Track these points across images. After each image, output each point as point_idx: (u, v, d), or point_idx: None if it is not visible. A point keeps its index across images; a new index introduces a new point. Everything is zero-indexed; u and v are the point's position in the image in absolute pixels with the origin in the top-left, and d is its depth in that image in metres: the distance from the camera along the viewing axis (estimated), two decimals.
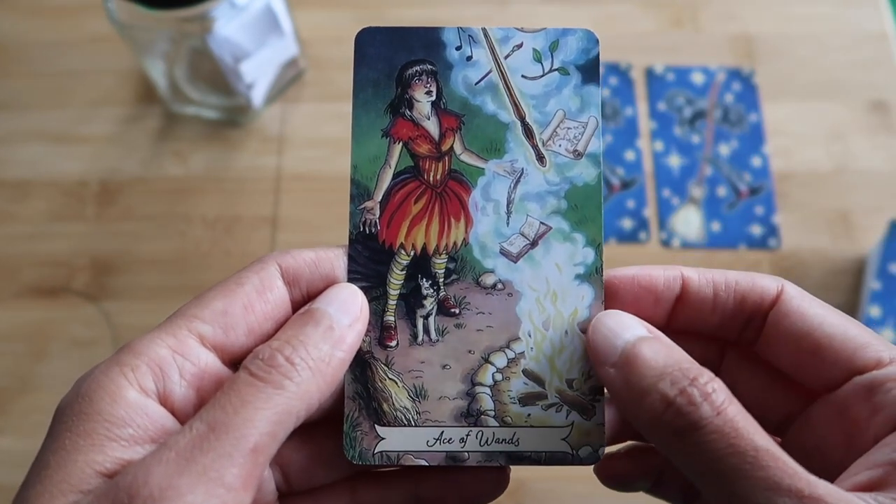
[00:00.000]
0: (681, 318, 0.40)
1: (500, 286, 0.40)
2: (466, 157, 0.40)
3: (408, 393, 0.40)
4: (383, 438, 0.39)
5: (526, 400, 0.40)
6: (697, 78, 0.88)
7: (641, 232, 0.81)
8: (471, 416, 0.40)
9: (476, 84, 0.41)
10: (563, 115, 0.41)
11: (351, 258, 0.40)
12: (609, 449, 0.41)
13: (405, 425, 0.40)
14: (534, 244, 0.40)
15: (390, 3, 0.91)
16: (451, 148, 0.41)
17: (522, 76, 0.41)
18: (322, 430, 0.40)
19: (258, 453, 0.32)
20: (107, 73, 0.89)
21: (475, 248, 0.40)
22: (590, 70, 0.41)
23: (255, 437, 0.32)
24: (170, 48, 0.83)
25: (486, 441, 0.39)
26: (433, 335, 0.40)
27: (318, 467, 0.41)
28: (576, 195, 0.40)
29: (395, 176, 0.41)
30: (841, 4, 0.92)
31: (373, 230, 0.40)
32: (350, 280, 0.39)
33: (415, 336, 0.40)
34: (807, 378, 0.38)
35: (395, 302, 0.40)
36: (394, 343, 0.40)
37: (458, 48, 0.41)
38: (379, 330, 0.40)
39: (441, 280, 0.40)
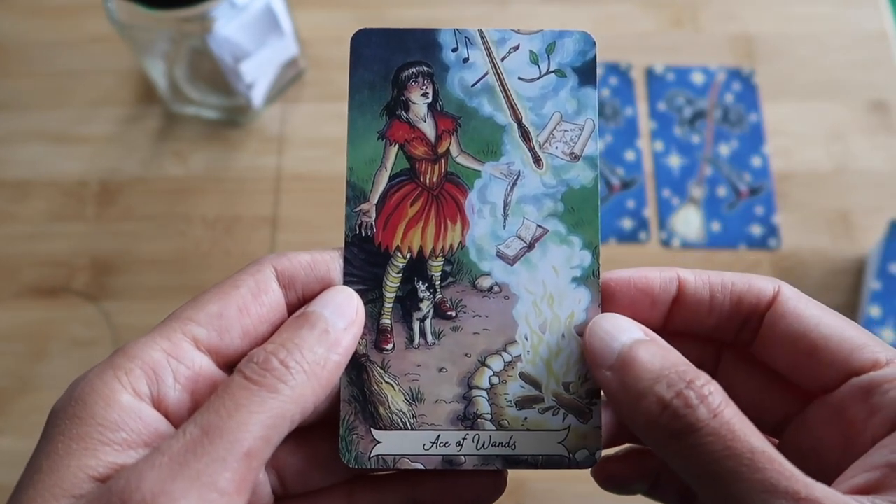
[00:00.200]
0: (677, 319, 0.40)
1: (496, 289, 0.40)
2: (463, 160, 0.40)
3: (404, 396, 0.40)
4: (379, 442, 0.39)
5: (522, 403, 0.40)
6: (697, 78, 0.88)
7: (641, 232, 0.81)
8: (467, 419, 0.40)
9: (472, 86, 0.41)
10: (559, 117, 0.40)
11: (347, 261, 0.40)
12: (606, 452, 0.41)
13: (401, 429, 0.39)
14: (530, 247, 0.40)
15: (390, 4, 0.91)
16: (448, 150, 0.40)
17: (519, 78, 0.41)
18: (318, 433, 0.40)
19: (252, 457, 0.32)
20: (107, 73, 0.89)
21: (472, 251, 0.40)
22: (586, 72, 0.41)
23: (249, 441, 0.32)
24: (170, 48, 0.83)
25: (483, 445, 0.39)
26: (429, 338, 0.40)
27: (314, 471, 0.41)
28: (572, 198, 0.40)
29: (391, 178, 0.40)
30: (841, 4, 0.92)
31: (369, 233, 0.40)
32: (346, 283, 0.39)
33: (411, 339, 0.40)
34: (803, 379, 0.38)
35: (391, 305, 0.40)
36: (390, 346, 0.40)
37: (455, 50, 0.41)
38: (375, 333, 0.40)
39: (437, 283, 0.40)
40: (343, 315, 0.37)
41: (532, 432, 0.40)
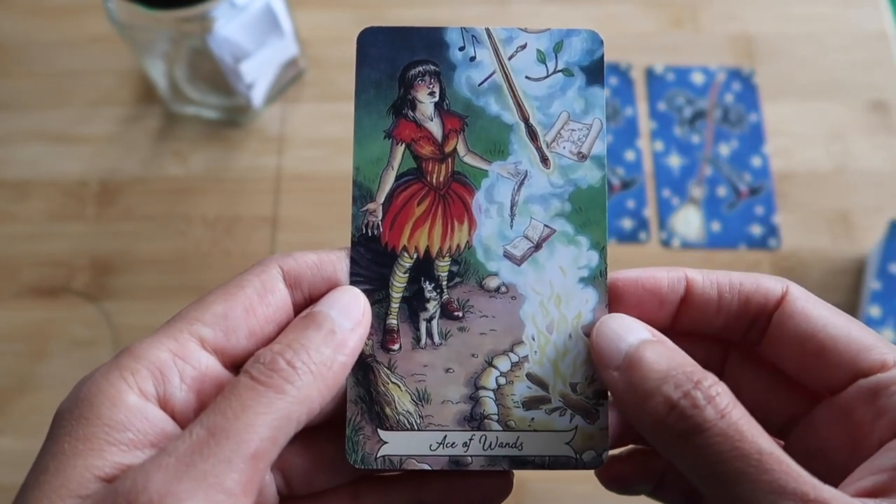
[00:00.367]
0: (685, 319, 0.40)
1: (503, 289, 0.40)
2: (470, 159, 0.40)
3: (410, 397, 0.40)
4: (386, 443, 0.39)
5: (529, 404, 0.40)
6: (697, 78, 0.88)
7: (641, 232, 0.81)
8: (474, 420, 0.39)
9: (479, 85, 0.40)
10: (567, 116, 0.40)
11: (353, 261, 0.40)
12: (611, 452, 0.41)
13: (408, 429, 0.39)
14: (538, 247, 0.40)
15: (390, 3, 0.91)
16: (455, 149, 0.40)
17: (526, 77, 0.41)
18: (324, 434, 0.40)
19: (259, 458, 0.32)
20: (107, 73, 0.89)
21: (479, 251, 0.40)
22: (594, 71, 0.41)
23: (256, 442, 0.32)
24: (170, 48, 0.83)
25: (490, 445, 0.39)
26: (436, 338, 0.40)
27: (319, 472, 0.41)
28: (580, 198, 0.40)
29: (397, 178, 0.40)
30: (841, 4, 0.92)
31: (375, 232, 0.40)
32: (352, 283, 0.39)
33: (418, 339, 0.40)
34: (810, 380, 0.38)
35: (397, 305, 0.40)
36: (396, 346, 0.40)
37: (462, 49, 0.41)
38: (381, 333, 0.40)
39: (444, 283, 0.40)
40: (349, 315, 0.37)
41: (539, 433, 0.39)
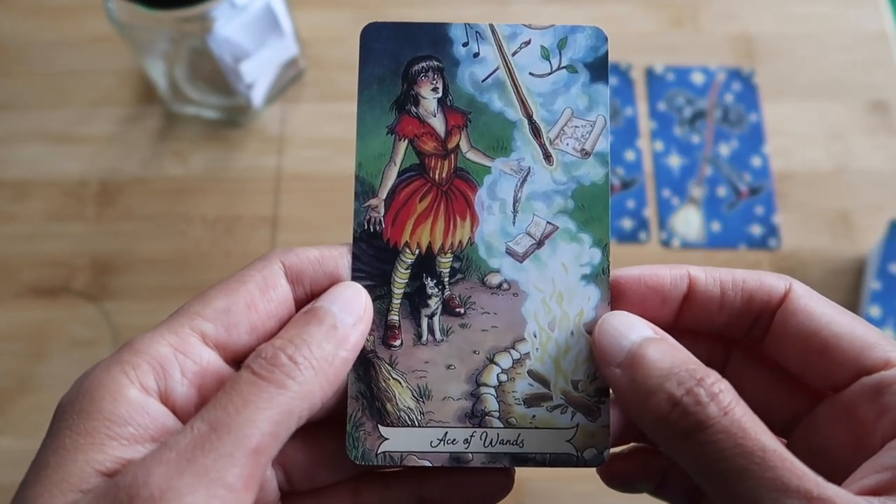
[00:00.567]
0: (687, 317, 0.40)
1: (505, 286, 0.40)
2: (472, 155, 0.40)
3: (412, 393, 0.39)
4: (387, 439, 0.39)
5: (531, 401, 0.40)
6: (697, 78, 0.88)
7: (641, 232, 0.81)
8: (475, 416, 0.39)
9: (483, 81, 0.40)
10: (570, 113, 0.40)
11: (355, 256, 0.40)
12: (613, 450, 0.41)
13: (409, 426, 0.39)
14: (540, 244, 0.40)
15: (390, 3, 0.91)
16: (457, 146, 0.40)
17: (530, 73, 0.41)
18: (325, 430, 0.40)
19: (260, 454, 0.32)
20: (107, 73, 0.89)
21: (481, 248, 0.40)
22: (598, 68, 0.41)
23: (257, 437, 0.32)
24: (170, 48, 0.83)
25: (491, 442, 0.39)
26: (438, 335, 0.40)
27: (320, 467, 0.41)
28: (583, 195, 0.40)
29: (400, 173, 0.40)
30: (841, 4, 0.92)
31: (377, 228, 0.40)
32: (354, 278, 0.39)
33: (419, 335, 0.40)
34: (813, 378, 0.38)
35: (399, 301, 0.40)
36: (398, 342, 0.40)
37: (465, 44, 0.41)
38: (383, 329, 0.40)
39: (446, 279, 0.40)
40: (351, 311, 0.37)
41: (540, 430, 0.39)
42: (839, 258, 0.80)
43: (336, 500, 0.41)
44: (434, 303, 0.40)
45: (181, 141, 0.85)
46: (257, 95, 0.83)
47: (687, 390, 0.33)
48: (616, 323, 0.38)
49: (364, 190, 0.40)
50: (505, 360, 0.40)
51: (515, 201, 0.40)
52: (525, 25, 0.41)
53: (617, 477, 0.43)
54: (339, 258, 0.39)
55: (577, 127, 0.40)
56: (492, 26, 0.41)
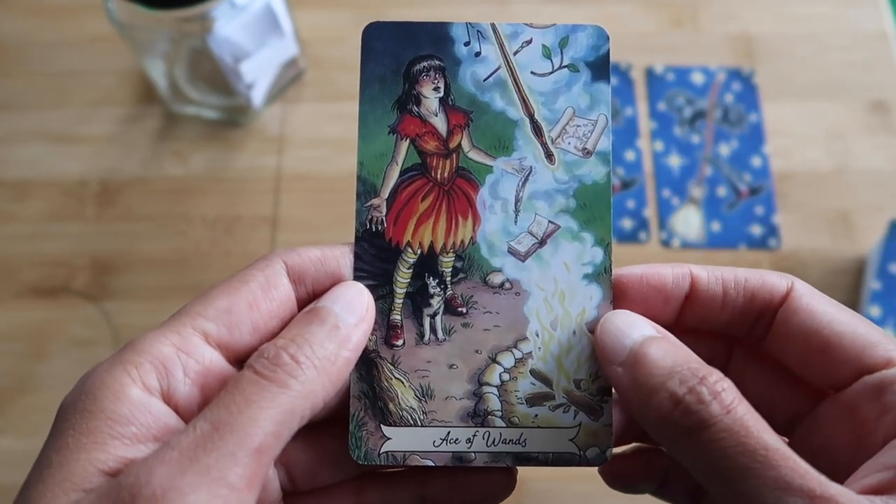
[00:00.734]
0: (689, 316, 0.40)
1: (507, 285, 0.40)
2: (474, 155, 0.40)
3: (414, 392, 0.39)
4: (389, 438, 0.39)
5: (533, 400, 0.40)
6: (697, 78, 0.88)
7: (641, 232, 0.81)
8: (477, 416, 0.39)
9: (484, 80, 0.40)
10: (572, 112, 0.40)
11: (357, 256, 0.40)
12: (615, 450, 0.41)
13: (411, 425, 0.39)
14: (542, 243, 0.40)
15: (391, 3, 0.91)
16: (459, 145, 0.40)
17: (531, 72, 0.41)
18: (327, 429, 0.40)
19: (262, 453, 0.32)
20: (107, 73, 0.89)
21: (483, 247, 0.40)
22: (600, 67, 0.41)
23: (260, 436, 0.32)
24: (170, 48, 0.83)
25: (493, 441, 0.39)
26: (440, 334, 0.40)
27: (323, 467, 0.41)
28: (585, 194, 0.40)
29: (402, 173, 0.40)
30: (841, 4, 0.92)
31: (379, 228, 0.40)
32: (356, 278, 0.39)
33: (421, 335, 0.40)
34: (815, 377, 0.38)
35: (401, 300, 0.40)
36: (400, 342, 0.40)
37: (467, 44, 0.41)
38: (385, 329, 0.40)
39: (448, 279, 0.40)
40: (353, 311, 0.37)
41: (543, 429, 0.39)
42: (839, 258, 0.80)
43: (338, 499, 0.41)
44: (436, 302, 0.40)
45: (181, 141, 0.85)
46: (257, 95, 0.83)
47: (689, 389, 0.33)
48: (618, 322, 0.38)
49: (366, 189, 0.40)
50: (507, 360, 0.40)
51: (517, 200, 0.40)
52: (526, 24, 0.41)
53: (619, 477, 0.43)
54: (341, 258, 0.39)
55: (578, 126, 0.40)
56: (493, 25, 0.41)
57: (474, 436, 0.39)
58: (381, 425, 0.39)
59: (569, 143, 0.40)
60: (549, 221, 0.40)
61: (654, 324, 0.38)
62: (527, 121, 0.40)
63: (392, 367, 0.39)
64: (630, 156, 0.84)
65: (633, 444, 0.44)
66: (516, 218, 0.40)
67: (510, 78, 0.40)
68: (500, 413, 0.39)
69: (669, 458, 0.42)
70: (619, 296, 0.40)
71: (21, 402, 0.75)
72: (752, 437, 0.32)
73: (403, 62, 0.40)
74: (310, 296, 0.38)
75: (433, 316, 0.40)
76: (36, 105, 0.87)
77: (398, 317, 0.40)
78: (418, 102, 0.40)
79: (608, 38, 0.41)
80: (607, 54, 0.41)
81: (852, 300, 0.78)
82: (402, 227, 0.40)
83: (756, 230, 0.81)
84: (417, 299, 0.40)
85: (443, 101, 0.40)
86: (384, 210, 0.40)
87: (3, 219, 0.82)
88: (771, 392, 0.41)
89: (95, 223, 0.81)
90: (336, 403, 0.39)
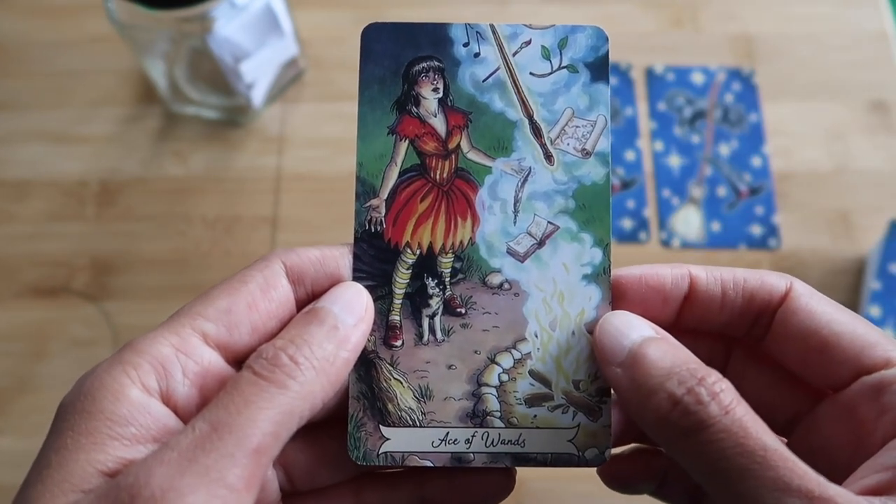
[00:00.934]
0: (688, 316, 0.40)
1: (506, 286, 0.40)
2: (473, 156, 0.40)
3: (413, 393, 0.39)
4: (388, 439, 0.39)
5: (532, 401, 0.40)
6: (697, 78, 0.88)
7: (641, 232, 0.81)
8: (476, 416, 0.39)
9: (484, 81, 0.40)
10: (571, 113, 0.40)
11: (356, 256, 0.40)
12: (614, 451, 0.41)
13: (410, 426, 0.39)
14: (541, 244, 0.40)
15: (390, 3, 0.91)
16: (458, 146, 0.40)
17: (531, 73, 0.41)
18: (326, 430, 0.40)
19: (261, 454, 0.32)
20: (107, 73, 0.89)
21: (482, 248, 0.40)
22: (599, 68, 0.41)
23: (258, 437, 0.32)
24: (170, 48, 0.83)
25: (492, 442, 0.39)
26: (439, 335, 0.40)
27: (322, 468, 0.41)
28: (584, 194, 0.40)
29: (401, 174, 0.40)
30: (841, 4, 0.92)
31: (378, 228, 0.40)
32: (355, 279, 0.39)
33: (420, 336, 0.40)
34: (814, 377, 0.38)
35: (400, 301, 0.40)
36: (399, 343, 0.40)
37: (466, 45, 0.41)
38: (384, 329, 0.40)
39: (447, 279, 0.40)
40: (352, 311, 0.37)
41: (541, 430, 0.39)
42: (839, 258, 0.80)
43: (337, 500, 0.41)
44: (435, 303, 0.40)
45: (181, 141, 0.85)
46: (257, 95, 0.83)
47: (688, 389, 0.33)
48: (617, 322, 0.38)
49: (365, 190, 0.40)
50: (506, 360, 0.40)
51: (516, 201, 0.40)
52: (526, 25, 0.41)
53: (618, 478, 0.43)
54: (341, 258, 0.39)
55: (577, 127, 0.40)
56: (492, 26, 0.41)
57: (473, 436, 0.39)
58: (380, 426, 0.39)
59: (568, 144, 0.40)
60: (548, 222, 0.40)
61: (652, 324, 0.38)
62: (526, 122, 0.40)
63: (391, 368, 0.40)
64: (630, 156, 0.84)
65: (632, 445, 0.44)
66: (515, 219, 0.40)
67: (509, 79, 0.40)
68: (498, 414, 0.39)
69: (668, 459, 0.42)
70: (617, 296, 0.40)
71: (21, 402, 0.75)
72: (750, 437, 0.32)
73: (402, 63, 0.40)
74: (309, 296, 0.38)
75: (432, 316, 0.40)
76: (36, 105, 0.87)
77: (397, 317, 0.40)
78: (417, 103, 0.40)
79: (607, 38, 0.41)
80: (606, 55, 0.41)
81: (852, 300, 0.78)
82: (401, 227, 0.40)
83: (756, 230, 0.81)
84: (416, 300, 0.40)
85: (442, 102, 0.40)
86: (383, 211, 0.40)
87: (3, 219, 0.82)
88: (770, 392, 0.41)
89: (95, 223, 0.81)
90: (335, 404, 0.39)
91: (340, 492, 0.41)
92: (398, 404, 0.39)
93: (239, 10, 0.74)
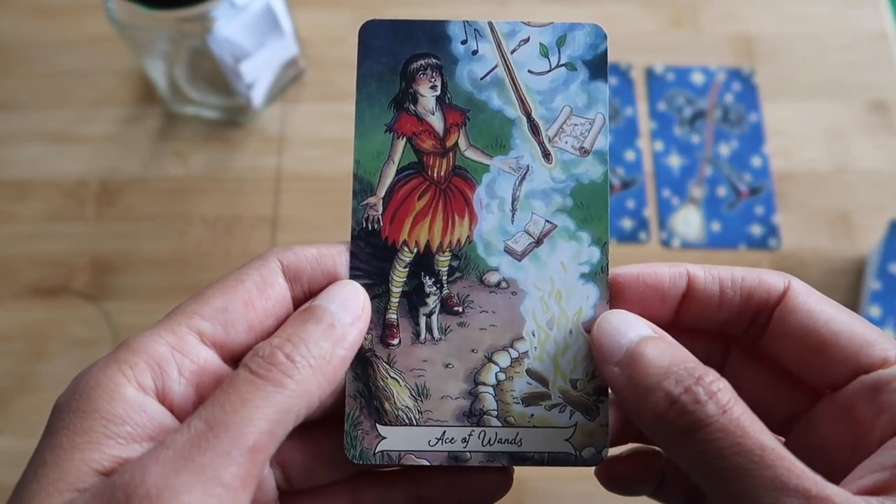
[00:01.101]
0: (686, 315, 0.39)
1: (504, 284, 0.40)
2: (471, 154, 0.40)
3: (410, 392, 0.39)
4: (384, 438, 0.39)
5: (529, 400, 0.39)
6: (697, 78, 0.88)
7: (641, 232, 0.81)
8: (473, 415, 0.39)
9: (482, 79, 0.40)
10: (569, 111, 0.40)
11: (353, 255, 0.39)
12: (611, 452, 0.41)
13: (407, 424, 0.39)
14: (539, 242, 0.40)
15: (390, 3, 0.91)
16: (456, 144, 0.40)
17: (529, 71, 0.40)
18: (323, 428, 0.40)
19: (257, 452, 0.32)
20: (107, 73, 0.89)
21: (479, 246, 0.40)
22: (597, 66, 0.41)
23: (255, 435, 0.32)
24: (170, 48, 0.83)
25: (489, 441, 0.39)
26: (436, 333, 0.40)
27: (318, 466, 0.41)
28: (582, 193, 0.40)
29: (398, 172, 0.40)
30: (841, 4, 0.92)
31: (375, 226, 0.40)
32: (352, 277, 0.39)
33: (417, 334, 0.40)
34: (812, 376, 0.38)
35: (397, 299, 0.40)
36: (396, 341, 0.40)
37: (464, 42, 0.41)
38: (381, 328, 0.40)
39: (444, 278, 0.40)
40: (349, 309, 0.37)
41: (538, 429, 0.39)
42: (839, 258, 0.80)
43: (334, 499, 0.41)
44: (432, 301, 0.40)
45: (181, 141, 0.85)
46: (257, 95, 0.83)
47: (685, 389, 0.33)
48: (614, 321, 0.38)
49: (362, 188, 0.40)
50: (503, 359, 0.40)
51: (514, 199, 0.40)
52: (524, 23, 0.41)
53: (615, 479, 0.43)
54: (337, 256, 0.39)
55: (575, 125, 0.40)
56: (490, 24, 0.41)
57: (470, 435, 0.39)
58: (377, 424, 0.39)
59: (566, 142, 0.40)
60: (546, 220, 0.40)
61: (650, 323, 0.38)
62: (524, 119, 0.40)
63: (388, 367, 0.39)
64: (630, 156, 0.84)
65: (630, 446, 0.44)
66: (513, 217, 0.40)
67: (507, 76, 0.40)
68: (495, 412, 0.39)
69: (666, 460, 0.42)
70: (615, 295, 0.40)
71: (21, 402, 0.75)
72: (748, 437, 0.32)
73: (400, 60, 0.40)
74: (306, 295, 0.38)
75: (429, 315, 0.40)
76: (36, 105, 0.87)
77: (394, 316, 0.40)
78: (415, 101, 0.40)
79: (606, 36, 0.41)
80: (605, 53, 0.41)
81: (852, 300, 0.78)
82: (398, 225, 0.40)
83: (756, 230, 0.81)
84: (413, 298, 0.40)
85: (440, 100, 0.40)
86: (380, 209, 0.40)
87: (3, 219, 0.82)
88: (768, 391, 0.40)
89: (95, 223, 0.82)
90: (332, 402, 0.39)
91: (337, 490, 0.41)
92: (395, 403, 0.39)
93: (239, 10, 0.74)
